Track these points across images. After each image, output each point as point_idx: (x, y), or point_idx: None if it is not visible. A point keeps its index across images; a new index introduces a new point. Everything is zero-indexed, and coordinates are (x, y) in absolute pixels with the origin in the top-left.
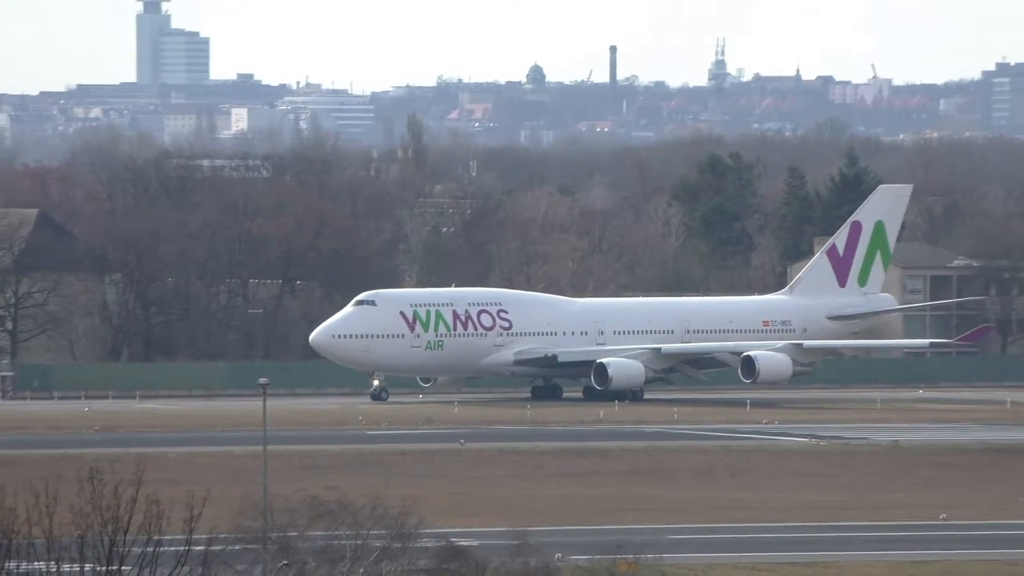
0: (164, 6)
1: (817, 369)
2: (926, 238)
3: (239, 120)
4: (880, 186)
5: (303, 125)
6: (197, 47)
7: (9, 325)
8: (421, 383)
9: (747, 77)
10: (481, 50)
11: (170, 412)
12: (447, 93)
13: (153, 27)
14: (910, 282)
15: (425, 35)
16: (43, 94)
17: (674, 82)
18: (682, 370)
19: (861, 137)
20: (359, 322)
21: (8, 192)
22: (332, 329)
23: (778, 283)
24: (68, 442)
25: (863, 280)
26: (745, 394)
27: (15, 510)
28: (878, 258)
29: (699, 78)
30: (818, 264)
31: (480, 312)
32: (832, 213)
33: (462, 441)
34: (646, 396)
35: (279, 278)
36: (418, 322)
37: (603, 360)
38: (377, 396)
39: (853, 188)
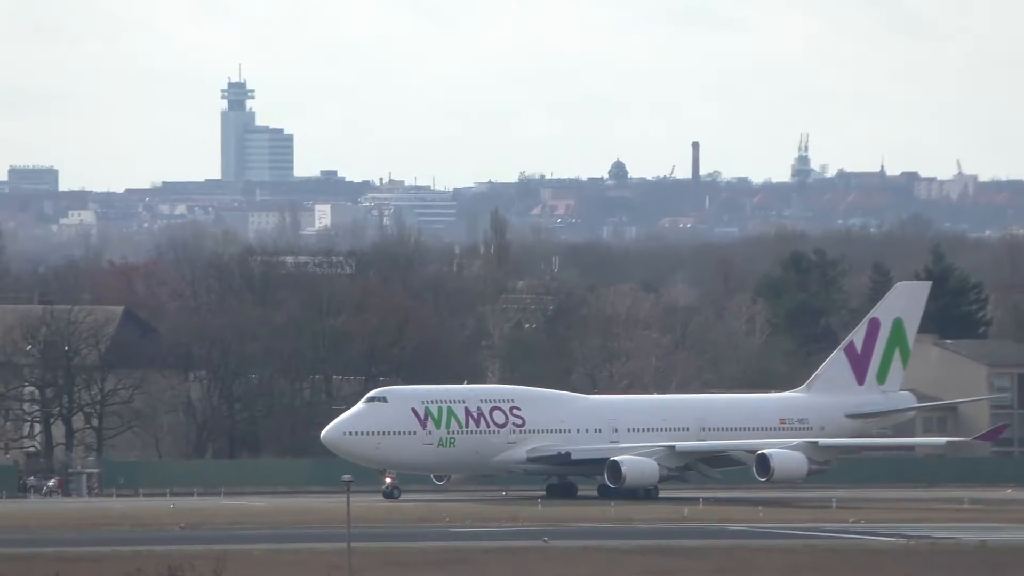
0: (248, 104)
1: (833, 467)
2: (1013, 336)
3: (323, 216)
4: (898, 283)
5: (386, 221)
6: (281, 144)
7: (95, 422)
8: (435, 481)
9: (831, 173)
10: (563, 146)
11: (255, 509)
12: (529, 189)
13: (238, 124)
14: (997, 380)
15: (507, 131)
16: (129, 191)
17: (757, 178)
18: (697, 468)
19: (946, 233)
20: (371, 419)
21: (94, 289)
22: (344, 426)
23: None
24: (153, 539)
25: (882, 378)
26: (820, 492)
27: None
28: (897, 355)
29: (782, 174)
30: (836, 361)
31: (493, 409)
32: None
33: (546, 539)
34: (661, 494)
35: (362, 375)
36: (430, 419)
37: (616, 458)
38: (389, 494)
39: (939, 285)
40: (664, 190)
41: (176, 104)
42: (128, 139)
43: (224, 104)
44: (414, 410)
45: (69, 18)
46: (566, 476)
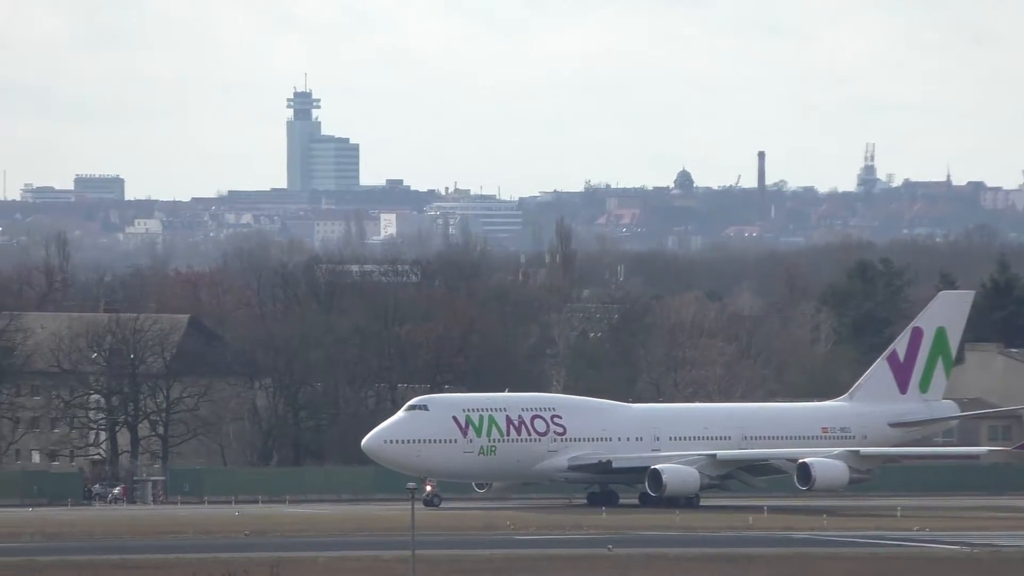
0: (315, 113)
1: (874, 476)
2: None
3: (388, 225)
4: (941, 292)
5: (452, 230)
6: (347, 153)
7: (160, 430)
8: (476, 489)
9: (897, 182)
10: (629, 155)
11: (319, 516)
12: (595, 198)
13: (304, 133)
14: None
15: (573, 140)
16: (195, 200)
17: (823, 187)
18: (738, 477)
19: (1012, 243)
20: (411, 427)
21: (160, 298)
22: (384, 434)
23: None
24: (218, 546)
25: (924, 387)
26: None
27: None
28: (940, 364)
29: (848, 183)
30: (878, 370)
31: (534, 417)
32: (984, 320)
33: (610, 546)
34: (703, 503)
35: (427, 383)
36: (471, 427)
37: (657, 466)
38: (429, 502)
39: (1005, 294)
40: (730, 199)
41: (242, 113)
42: (194, 148)
43: (290, 113)
44: (455, 418)
45: (136, 29)
46: (607, 484)
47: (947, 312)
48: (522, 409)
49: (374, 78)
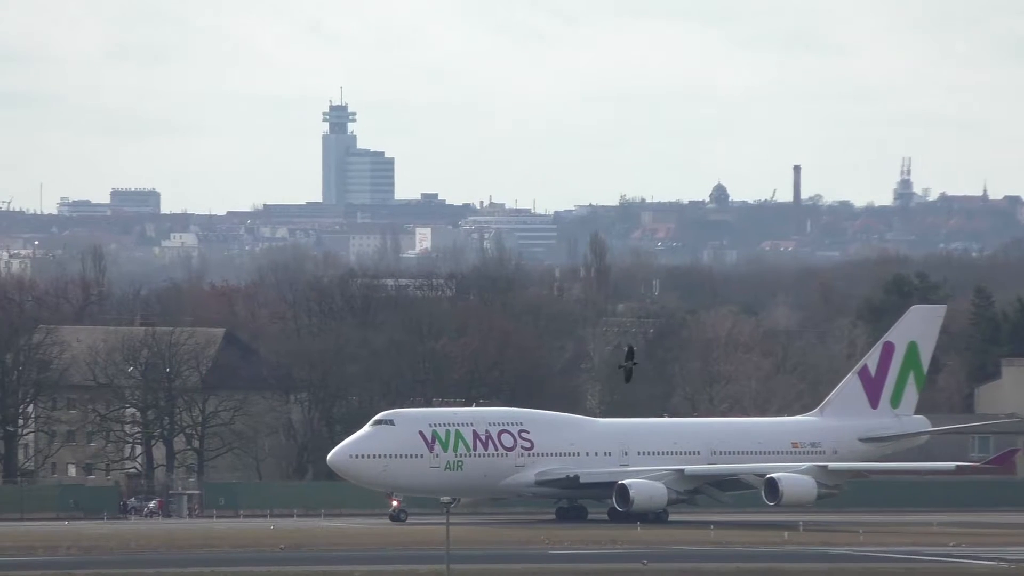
0: (350, 127)
1: (843, 491)
2: None
3: (423, 239)
4: (913, 306)
5: (486, 244)
6: (382, 167)
7: (196, 443)
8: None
9: (933, 196)
10: (664, 169)
11: (355, 530)
12: (630, 212)
13: (339, 147)
14: None
15: (608, 154)
16: (230, 214)
17: (859, 201)
18: (707, 492)
19: None
20: (377, 442)
21: (195, 311)
22: (350, 449)
23: (964, 405)
24: (253, 560)
25: (896, 402)
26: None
27: None
28: (911, 379)
29: (884, 197)
30: (849, 385)
31: (501, 432)
32: (1020, 335)
33: (644, 561)
34: (671, 518)
35: (462, 397)
36: (437, 442)
37: (624, 481)
38: (396, 517)
39: None
40: (765, 213)
41: (278, 127)
42: (230, 162)
43: (326, 127)
44: (421, 433)
45: (173, 43)
46: (576, 499)
47: (919, 327)
48: (489, 424)
49: (409, 92)
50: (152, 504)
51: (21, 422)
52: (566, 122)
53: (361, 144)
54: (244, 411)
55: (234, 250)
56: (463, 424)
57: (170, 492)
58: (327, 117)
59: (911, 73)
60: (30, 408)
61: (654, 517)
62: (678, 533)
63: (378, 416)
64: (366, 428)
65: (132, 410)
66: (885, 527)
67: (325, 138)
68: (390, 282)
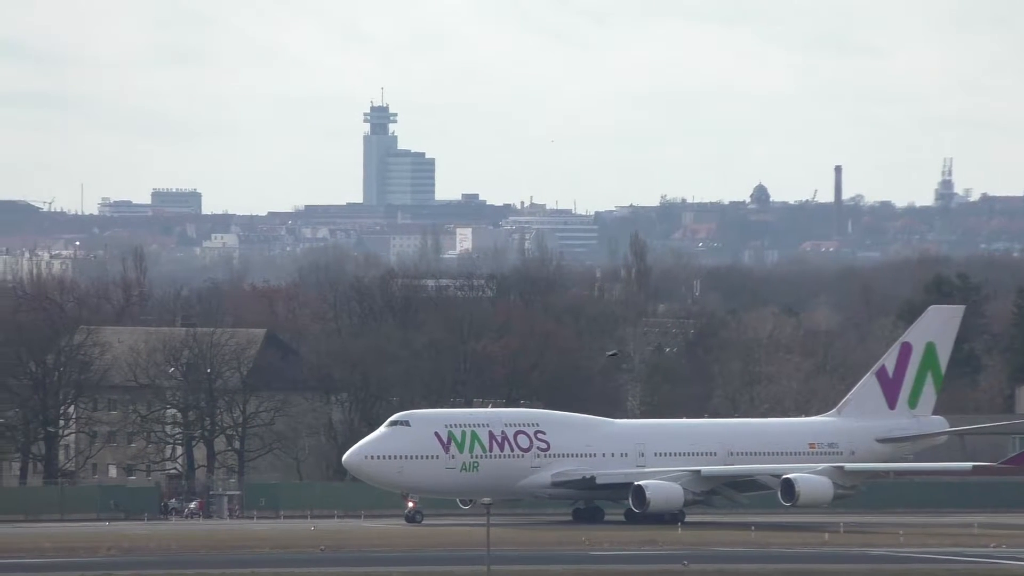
0: (391, 127)
1: (859, 492)
2: None
3: (464, 240)
4: (931, 307)
5: (527, 245)
6: (423, 168)
7: (236, 444)
8: (461, 505)
9: (974, 197)
10: (705, 170)
11: (395, 531)
12: (671, 213)
13: (380, 148)
14: None
15: (649, 155)
16: (271, 215)
17: (900, 202)
18: (723, 493)
19: None
20: (393, 443)
21: (236, 312)
22: (365, 450)
23: (1006, 405)
24: (294, 561)
25: (913, 402)
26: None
27: None
28: (929, 380)
29: (925, 198)
30: (867, 385)
31: (517, 433)
32: None
33: (685, 562)
34: (687, 519)
35: (503, 397)
36: (453, 443)
37: (641, 482)
38: (411, 518)
39: None
40: (806, 214)
41: (319, 128)
42: (271, 163)
43: (367, 128)
44: (437, 434)
45: (214, 45)
46: (592, 500)
47: (937, 327)
48: (505, 425)
49: (450, 93)
50: (193, 505)
51: (62, 423)
52: (606, 123)
53: (402, 145)
54: (284, 412)
55: (275, 250)
56: (479, 425)
57: (211, 493)
58: (368, 118)
59: (952, 74)
60: (71, 409)
61: (670, 518)
62: (718, 534)
63: (393, 417)
64: (381, 429)
65: (173, 411)
66: (925, 528)
67: (366, 139)
68: (431, 282)
